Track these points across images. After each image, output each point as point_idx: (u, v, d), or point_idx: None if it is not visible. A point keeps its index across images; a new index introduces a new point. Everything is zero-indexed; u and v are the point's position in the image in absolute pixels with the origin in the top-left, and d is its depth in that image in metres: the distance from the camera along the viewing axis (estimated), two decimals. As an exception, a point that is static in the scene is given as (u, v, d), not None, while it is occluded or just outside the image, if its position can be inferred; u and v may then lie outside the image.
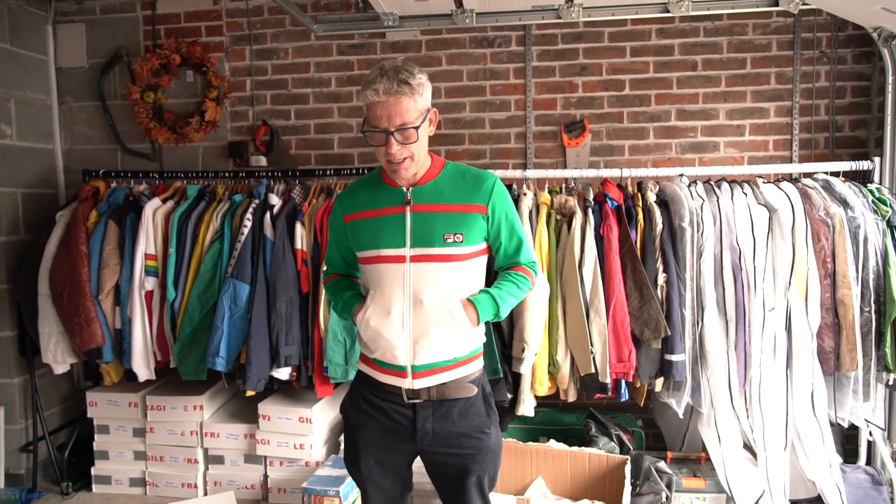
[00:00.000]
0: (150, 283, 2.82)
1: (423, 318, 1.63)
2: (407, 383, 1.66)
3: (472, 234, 1.65)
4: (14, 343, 3.10)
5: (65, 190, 3.42)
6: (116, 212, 2.92)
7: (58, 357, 2.89)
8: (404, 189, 1.67)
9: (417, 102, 1.58)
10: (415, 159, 1.62)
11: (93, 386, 3.12)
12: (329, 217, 1.91)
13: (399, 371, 1.66)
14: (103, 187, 3.05)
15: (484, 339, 1.78)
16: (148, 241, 2.82)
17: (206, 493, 3.00)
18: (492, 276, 1.83)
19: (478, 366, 1.74)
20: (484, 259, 1.74)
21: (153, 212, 2.86)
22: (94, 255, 2.84)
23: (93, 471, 3.06)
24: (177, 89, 3.35)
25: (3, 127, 3.11)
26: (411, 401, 1.67)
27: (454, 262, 1.64)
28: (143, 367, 2.82)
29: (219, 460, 3.00)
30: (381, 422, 1.70)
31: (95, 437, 3.06)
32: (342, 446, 2.82)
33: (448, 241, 1.62)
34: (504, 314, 1.73)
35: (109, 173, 3.17)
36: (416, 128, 1.58)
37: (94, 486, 3.06)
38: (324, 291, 2.66)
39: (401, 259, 1.64)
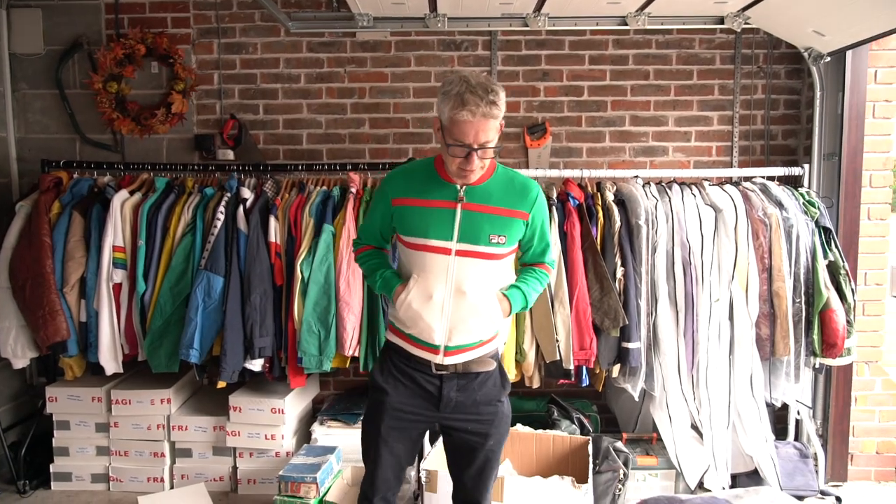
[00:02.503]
0: (119, 276, 2.79)
1: (462, 307, 1.77)
2: (438, 359, 1.81)
3: (512, 237, 1.81)
4: (-34, 338, 2.98)
5: (18, 179, 3.30)
6: (81, 203, 2.87)
7: (17, 352, 2.81)
8: (458, 186, 1.78)
9: (498, 119, 1.68)
10: (483, 168, 1.75)
11: (47, 382, 3.04)
12: (375, 192, 1.96)
13: (433, 349, 1.81)
14: (66, 178, 2.98)
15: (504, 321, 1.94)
16: (116, 233, 2.78)
17: (172, 487, 2.98)
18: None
19: (496, 343, 1.91)
20: (513, 257, 1.93)
21: (121, 203, 2.82)
22: (58, 247, 2.78)
23: (52, 468, 2.99)
24: (141, 80, 3.30)
25: (-46, 113, 2.99)
26: (439, 372, 1.82)
27: (494, 261, 1.80)
28: (110, 360, 2.79)
29: (186, 453, 2.99)
30: (410, 388, 1.84)
31: (55, 433, 2.99)
32: (313, 421, 2.92)
33: (493, 241, 1.77)
34: (530, 307, 1.94)
35: (70, 164, 3.09)
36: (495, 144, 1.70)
37: (52, 484, 3.00)
38: (297, 280, 2.71)
39: (447, 251, 1.76)
